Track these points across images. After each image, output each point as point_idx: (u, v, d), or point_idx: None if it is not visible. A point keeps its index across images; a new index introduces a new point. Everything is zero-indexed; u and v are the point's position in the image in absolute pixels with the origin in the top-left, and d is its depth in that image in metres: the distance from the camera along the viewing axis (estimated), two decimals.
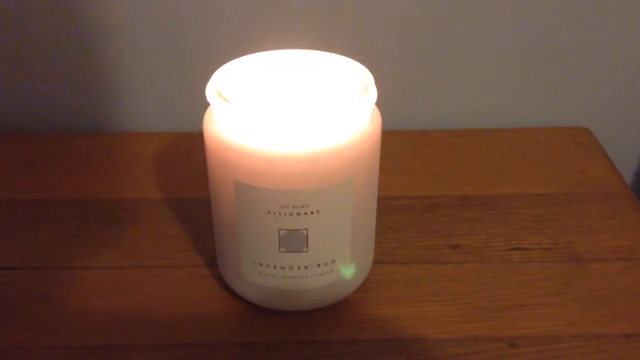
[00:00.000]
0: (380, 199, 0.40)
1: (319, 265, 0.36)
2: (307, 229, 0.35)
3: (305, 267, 0.36)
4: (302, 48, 0.38)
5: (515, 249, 0.44)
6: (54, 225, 0.46)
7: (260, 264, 0.37)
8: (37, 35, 0.54)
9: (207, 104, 0.36)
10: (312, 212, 0.34)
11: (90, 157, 0.54)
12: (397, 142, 0.55)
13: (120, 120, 0.58)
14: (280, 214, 0.34)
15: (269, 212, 0.34)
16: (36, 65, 0.56)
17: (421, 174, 0.52)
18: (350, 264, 0.38)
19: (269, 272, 0.37)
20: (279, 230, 0.35)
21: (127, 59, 0.55)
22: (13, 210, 0.48)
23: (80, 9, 0.53)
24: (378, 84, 0.36)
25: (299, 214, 0.34)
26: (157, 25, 0.54)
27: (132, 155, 0.54)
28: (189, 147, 0.54)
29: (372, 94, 0.35)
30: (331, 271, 0.37)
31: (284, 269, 0.36)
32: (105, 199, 0.49)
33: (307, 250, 0.36)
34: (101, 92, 0.57)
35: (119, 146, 0.55)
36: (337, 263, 0.37)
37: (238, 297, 0.40)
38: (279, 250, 0.36)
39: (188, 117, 0.49)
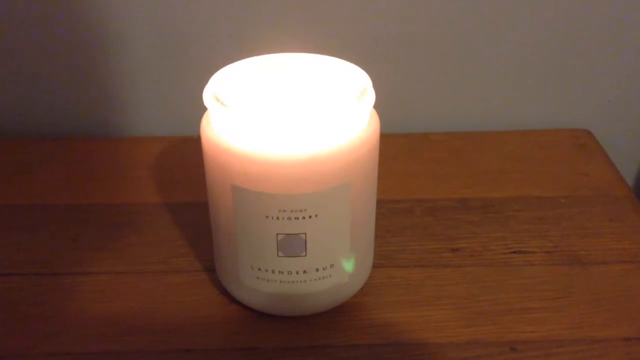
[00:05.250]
0: (380, 203, 0.40)
1: (317, 269, 0.36)
2: (305, 234, 0.35)
3: (304, 271, 0.36)
4: (299, 51, 0.38)
5: (515, 252, 0.44)
6: (53, 230, 0.46)
7: (259, 269, 0.36)
8: (36, 39, 0.54)
9: (204, 108, 0.36)
10: (310, 217, 0.34)
11: (88, 162, 0.54)
12: (395, 145, 0.55)
13: (118, 125, 0.58)
14: (278, 218, 0.34)
15: (267, 217, 0.34)
16: (34, 69, 0.56)
17: (421, 177, 0.51)
18: (350, 259, 0.37)
19: (268, 276, 0.36)
20: (277, 234, 0.35)
21: (125, 64, 0.55)
22: (11, 215, 0.47)
23: (78, 13, 0.53)
24: (376, 86, 0.36)
25: (297, 218, 0.34)
26: (155, 30, 0.54)
27: (131, 160, 0.54)
28: (187, 152, 0.54)
29: (370, 96, 0.35)
30: (330, 275, 0.37)
31: (282, 273, 0.36)
32: (103, 203, 0.49)
33: (305, 255, 0.35)
34: (99, 97, 0.57)
35: (117, 151, 0.55)
36: (336, 267, 0.37)
37: (237, 302, 0.40)
38: (278, 255, 0.35)
39: (186, 121, 0.49)
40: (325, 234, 0.35)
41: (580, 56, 0.56)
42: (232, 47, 0.53)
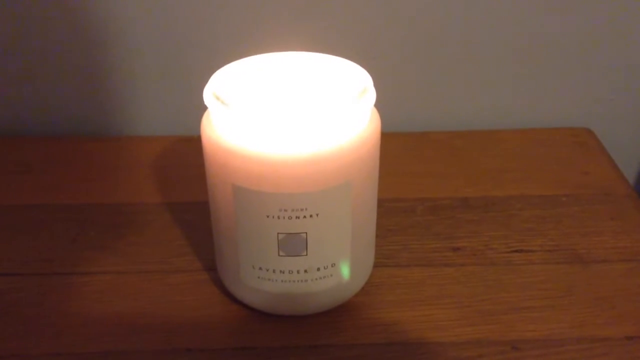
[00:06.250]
0: (381, 202, 0.40)
1: (318, 269, 0.36)
2: (306, 233, 0.35)
3: (305, 271, 0.36)
4: (300, 50, 0.38)
5: (517, 251, 0.44)
6: (53, 230, 0.46)
7: (260, 268, 0.36)
8: (36, 39, 0.54)
9: (205, 108, 0.35)
10: (311, 216, 0.34)
11: (88, 162, 0.54)
12: (396, 144, 0.54)
13: (118, 125, 0.58)
14: (279, 217, 0.34)
15: (268, 216, 0.34)
16: (34, 69, 0.55)
17: (421, 176, 0.51)
18: (349, 266, 0.37)
19: (269, 276, 0.36)
20: (278, 234, 0.35)
21: (125, 63, 0.55)
22: (11, 216, 0.47)
23: (79, 13, 0.53)
24: (377, 85, 0.36)
25: (298, 218, 0.34)
26: (155, 29, 0.53)
27: (131, 160, 0.54)
28: (188, 151, 0.54)
29: (371, 95, 0.34)
30: (331, 275, 0.37)
31: (283, 273, 0.36)
32: (103, 203, 0.48)
33: (306, 254, 0.35)
34: (99, 97, 0.57)
35: (117, 150, 0.55)
36: (337, 266, 0.37)
37: (238, 301, 0.40)
38: (278, 254, 0.35)
39: (186, 120, 0.49)
40: (326, 233, 0.35)
41: (581, 55, 0.56)
42: (232, 46, 0.53)
